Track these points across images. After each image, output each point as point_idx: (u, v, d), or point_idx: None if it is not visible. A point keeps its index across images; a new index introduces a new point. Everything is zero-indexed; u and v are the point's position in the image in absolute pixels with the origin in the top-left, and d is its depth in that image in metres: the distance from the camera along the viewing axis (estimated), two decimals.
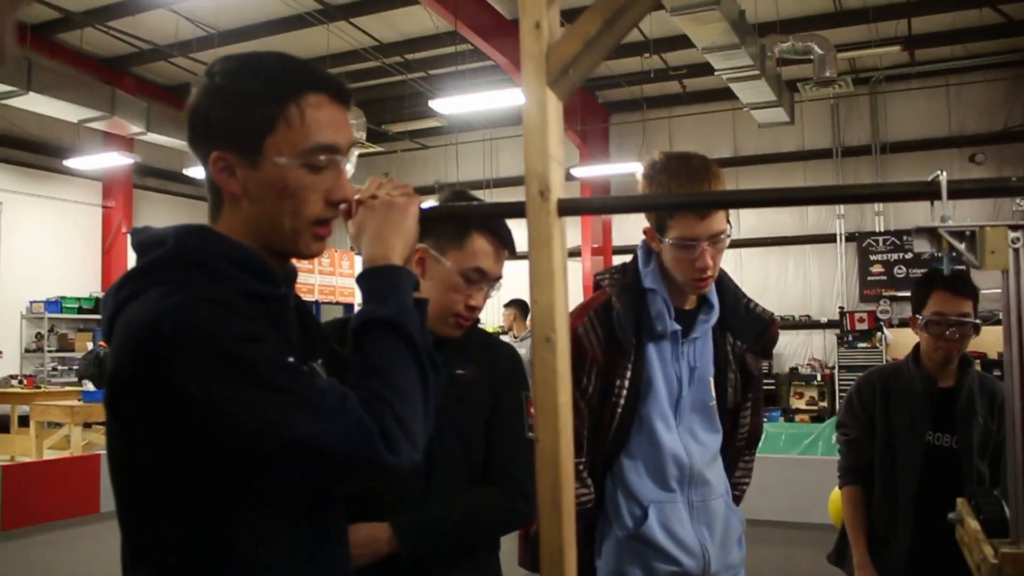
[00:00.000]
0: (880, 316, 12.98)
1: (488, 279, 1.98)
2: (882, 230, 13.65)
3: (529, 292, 1.31)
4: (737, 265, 13.29)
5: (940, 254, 1.29)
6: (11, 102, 9.84)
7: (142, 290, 1.23)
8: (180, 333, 1.15)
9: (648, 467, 2.17)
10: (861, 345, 12.89)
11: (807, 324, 14.01)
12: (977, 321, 2.77)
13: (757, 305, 2.31)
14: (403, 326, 1.26)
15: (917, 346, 2.92)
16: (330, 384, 1.20)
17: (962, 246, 1.27)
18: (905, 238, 13.24)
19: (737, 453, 2.35)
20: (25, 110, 10.43)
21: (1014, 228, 1.28)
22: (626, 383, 2.15)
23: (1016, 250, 1.29)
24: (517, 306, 8.22)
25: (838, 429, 3.10)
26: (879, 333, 12.76)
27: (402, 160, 17.01)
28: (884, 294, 13.35)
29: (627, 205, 1.54)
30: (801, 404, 13.39)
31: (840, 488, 3.01)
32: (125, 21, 11.63)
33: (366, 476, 1.20)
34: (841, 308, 13.55)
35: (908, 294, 3.04)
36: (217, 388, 1.14)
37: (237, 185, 1.30)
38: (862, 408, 2.96)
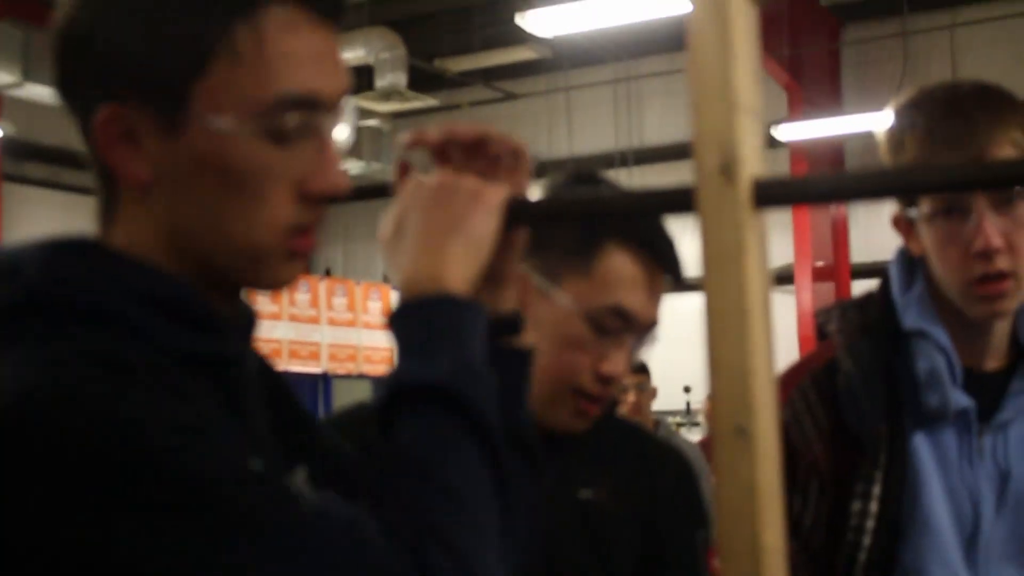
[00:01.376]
0: None
1: (634, 326, 1.39)
2: None
3: (706, 346, 0.83)
4: None
5: None
6: None
7: None
8: (59, 423, 0.78)
9: None
10: None
11: None
12: None
13: None
14: (461, 394, 0.88)
15: None
16: (326, 506, 0.81)
17: None
18: None
19: None
20: None
21: None
22: (871, 507, 1.59)
23: None
24: (644, 374, 5.58)
25: None
26: None
27: (473, 118, 10.94)
28: None
29: (874, 186, 0.92)
30: None
31: None
32: None
33: None
34: None
35: None
36: (127, 520, 0.76)
37: (145, 166, 0.88)
38: None
